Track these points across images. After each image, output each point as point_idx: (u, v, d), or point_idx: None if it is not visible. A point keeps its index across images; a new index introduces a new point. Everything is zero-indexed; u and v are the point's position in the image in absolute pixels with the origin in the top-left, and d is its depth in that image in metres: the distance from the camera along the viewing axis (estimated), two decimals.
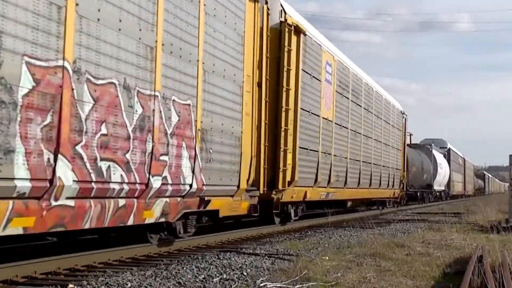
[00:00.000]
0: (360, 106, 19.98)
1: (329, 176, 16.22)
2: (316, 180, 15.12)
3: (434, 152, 43.36)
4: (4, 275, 6.50)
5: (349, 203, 20.91)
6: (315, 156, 15.14)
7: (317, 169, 15.21)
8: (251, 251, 9.68)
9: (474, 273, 6.72)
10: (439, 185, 44.39)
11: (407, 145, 33.49)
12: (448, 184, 50.40)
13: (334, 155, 16.74)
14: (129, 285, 6.49)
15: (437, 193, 45.72)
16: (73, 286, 6.29)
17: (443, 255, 9.27)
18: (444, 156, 49.96)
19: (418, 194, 36.52)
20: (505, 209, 21.25)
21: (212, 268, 7.76)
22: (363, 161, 20.08)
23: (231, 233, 12.16)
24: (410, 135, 36.82)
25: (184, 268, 7.65)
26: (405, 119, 28.77)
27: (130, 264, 8.19)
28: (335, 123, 16.85)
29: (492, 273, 6.76)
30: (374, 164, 21.80)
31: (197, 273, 7.35)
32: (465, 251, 9.87)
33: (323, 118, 15.63)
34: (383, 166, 23.19)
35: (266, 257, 9.07)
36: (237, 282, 6.86)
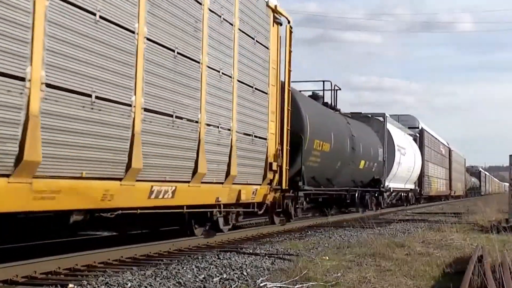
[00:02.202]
0: None
1: None
2: None
3: (390, 128, 26.46)
4: (4, 275, 6.50)
5: None
6: None
7: None
8: (251, 251, 9.67)
9: (474, 273, 6.71)
10: (399, 181, 28.10)
11: (326, 104, 19.46)
12: (420, 181, 34.74)
13: None
14: (129, 285, 6.49)
15: (403, 194, 30.96)
16: (73, 286, 6.29)
17: (443, 255, 9.28)
18: (415, 140, 34.15)
19: (358, 194, 20.64)
20: (505, 209, 21.25)
21: (212, 268, 7.76)
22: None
23: (231, 233, 12.15)
24: (336, 89, 20.93)
25: (184, 268, 7.65)
26: (288, 29, 13.23)
27: (130, 264, 8.19)
28: None
29: (492, 273, 6.76)
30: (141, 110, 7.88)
31: (197, 273, 7.35)
32: (465, 251, 9.87)
33: None
34: (189, 121, 9.13)
35: (266, 257, 9.07)
36: (237, 282, 6.86)
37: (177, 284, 6.70)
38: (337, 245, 11.00)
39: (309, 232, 14.14)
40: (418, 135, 35.88)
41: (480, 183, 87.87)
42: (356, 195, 20.59)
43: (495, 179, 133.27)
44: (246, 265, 8.14)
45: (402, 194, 31.03)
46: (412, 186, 32.55)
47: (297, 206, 14.69)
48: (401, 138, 29.13)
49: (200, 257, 8.71)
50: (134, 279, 6.80)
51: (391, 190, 26.62)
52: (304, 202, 15.38)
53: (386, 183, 24.92)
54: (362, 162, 20.82)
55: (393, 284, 6.79)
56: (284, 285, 6.57)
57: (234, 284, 6.73)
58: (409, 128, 34.79)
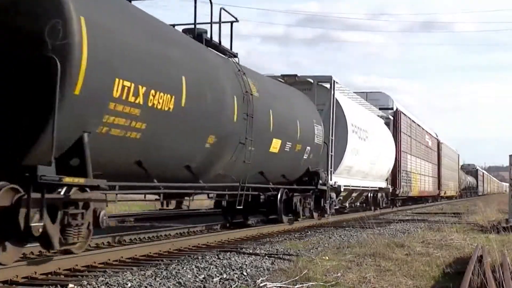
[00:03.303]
0: None
1: None
2: None
3: (341, 99, 18.78)
4: (4, 275, 6.50)
5: None
6: None
7: None
8: (251, 251, 9.68)
9: (474, 273, 6.72)
10: (359, 176, 20.67)
11: (210, 43, 10.51)
12: (395, 178, 26.54)
13: None
14: (129, 285, 6.49)
15: (369, 194, 23.21)
16: (73, 286, 6.29)
17: (443, 255, 9.28)
18: (387, 125, 26.12)
19: (281, 196, 13.62)
20: (505, 209, 21.26)
21: (212, 268, 7.76)
22: None
23: (231, 233, 12.17)
24: (226, 22, 11.47)
25: (184, 268, 7.65)
26: None
27: (130, 264, 8.20)
28: None
29: (492, 273, 6.77)
30: None
31: (197, 273, 7.35)
32: (465, 251, 9.88)
33: None
34: None
35: (266, 257, 9.07)
36: (237, 282, 6.87)
37: (177, 284, 6.70)
38: (337, 245, 11.01)
39: (309, 232, 14.14)
40: (392, 117, 26.91)
41: (477, 183, 79.42)
42: (279, 197, 13.52)
43: (494, 178, 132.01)
44: (246, 265, 8.14)
45: (369, 195, 23.30)
46: (382, 184, 24.47)
47: (66, 222, 6.79)
48: (360, 116, 20.84)
49: (200, 257, 8.70)
50: (134, 279, 6.80)
51: (342, 189, 18.23)
52: (103, 212, 7.31)
53: (334, 179, 17.29)
54: (277, 143, 12.64)
55: (393, 284, 6.79)
56: (284, 285, 6.57)
57: (234, 284, 6.73)
58: (380, 109, 26.15)
